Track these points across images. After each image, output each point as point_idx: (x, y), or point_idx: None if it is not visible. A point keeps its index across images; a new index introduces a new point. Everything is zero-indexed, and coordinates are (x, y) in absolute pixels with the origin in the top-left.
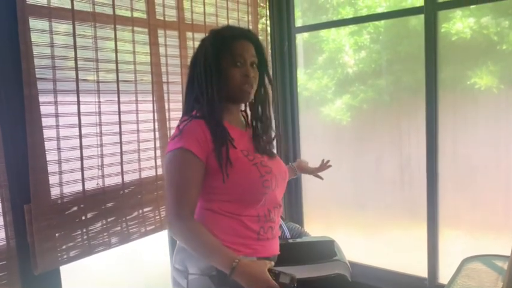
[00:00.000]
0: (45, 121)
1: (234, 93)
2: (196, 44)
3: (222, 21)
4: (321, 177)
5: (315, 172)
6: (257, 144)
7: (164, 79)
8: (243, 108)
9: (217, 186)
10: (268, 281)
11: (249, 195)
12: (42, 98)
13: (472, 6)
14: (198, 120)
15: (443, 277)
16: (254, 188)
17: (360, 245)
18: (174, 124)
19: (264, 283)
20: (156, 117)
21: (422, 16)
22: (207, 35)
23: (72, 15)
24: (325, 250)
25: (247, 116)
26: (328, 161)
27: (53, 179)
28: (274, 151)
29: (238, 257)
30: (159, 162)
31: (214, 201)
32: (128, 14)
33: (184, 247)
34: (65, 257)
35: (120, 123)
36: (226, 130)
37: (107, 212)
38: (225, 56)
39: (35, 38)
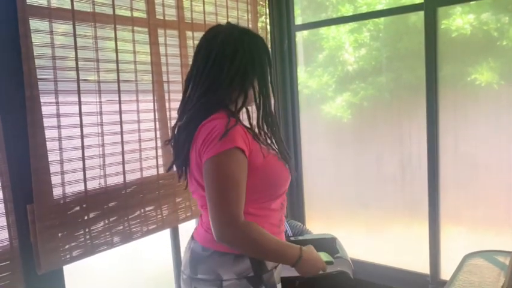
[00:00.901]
0: (46, 121)
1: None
2: (196, 42)
3: (222, 20)
4: None
5: None
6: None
7: (165, 78)
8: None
9: (252, 185)
10: (322, 262)
11: (279, 190)
12: (43, 99)
13: (471, 2)
14: (236, 119)
15: (446, 273)
16: (284, 182)
17: (361, 243)
18: (174, 123)
19: (320, 265)
20: (157, 117)
21: (422, 13)
22: (249, 31)
23: (72, 15)
24: (327, 247)
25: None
26: None
27: (55, 179)
28: None
29: (299, 246)
30: (160, 161)
31: (247, 202)
32: (127, 13)
33: (243, 252)
34: (68, 256)
35: (121, 122)
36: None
37: (109, 212)
38: (268, 62)
39: (35, 38)
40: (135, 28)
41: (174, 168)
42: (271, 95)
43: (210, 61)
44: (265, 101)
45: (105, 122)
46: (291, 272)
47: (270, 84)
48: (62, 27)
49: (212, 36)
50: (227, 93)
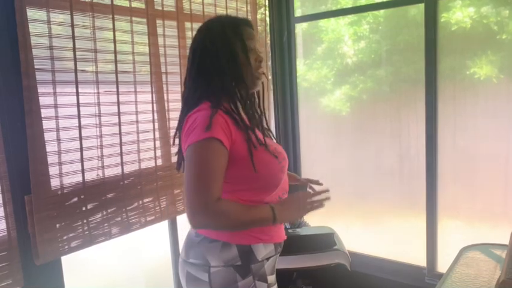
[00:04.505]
0: (44, 112)
1: (249, 79)
2: (195, 34)
3: (221, 11)
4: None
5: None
6: (265, 131)
7: (163, 70)
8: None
9: (239, 175)
10: (304, 198)
11: (271, 181)
12: (41, 89)
13: None
14: (217, 110)
15: (442, 266)
16: (275, 174)
17: (359, 235)
18: (173, 115)
19: (303, 203)
20: (155, 108)
21: (422, 5)
22: (211, 21)
23: (70, 5)
24: (325, 240)
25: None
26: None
27: (53, 170)
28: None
29: (270, 205)
30: (158, 153)
31: (233, 191)
32: (126, 3)
33: (220, 229)
34: (66, 247)
35: (119, 114)
36: (243, 117)
37: (107, 203)
38: (239, 41)
39: (32, 28)
40: (134, 18)
41: None
42: (249, 79)
43: (189, 59)
44: (237, 86)
45: (103, 113)
46: (288, 265)
47: (241, 68)
48: (60, 17)
49: (197, 32)
50: (205, 84)
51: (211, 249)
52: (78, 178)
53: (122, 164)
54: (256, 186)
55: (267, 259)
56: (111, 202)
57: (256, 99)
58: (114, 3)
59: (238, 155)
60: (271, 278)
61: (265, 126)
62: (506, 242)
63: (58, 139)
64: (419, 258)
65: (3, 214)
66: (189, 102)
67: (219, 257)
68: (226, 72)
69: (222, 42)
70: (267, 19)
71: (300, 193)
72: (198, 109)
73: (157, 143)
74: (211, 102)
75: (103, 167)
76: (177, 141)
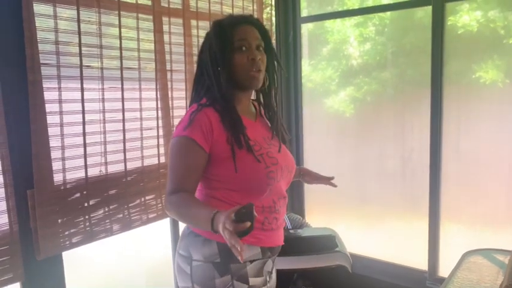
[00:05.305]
0: (48, 107)
1: (242, 79)
2: (201, 32)
3: (227, 10)
4: (333, 185)
5: (316, 181)
6: (275, 132)
7: (168, 67)
8: (253, 97)
9: (222, 175)
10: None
11: (254, 185)
12: (46, 84)
13: None
14: (206, 108)
15: (444, 270)
16: (259, 179)
17: (361, 237)
18: (177, 112)
19: (223, 222)
20: (159, 106)
21: (429, 8)
22: (212, 24)
23: (76, 0)
24: (326, 241)
25: (259, 105)
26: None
27: (56, 165)
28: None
29: (216, 210)
30: (161, 150)
31: (219, 189)
32: (132, 0)
33: (182, 224)
34: (68, 243)
35: (123, 110)
36: (240, 118)
37: (110, 199)
38: (229, 43)
39: (39, 23)
40: (140, 15)
41: None
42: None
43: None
44: (228, 86)
45: (107, 109)
46: (289, 265)
47: (229, 69)
48: (66, 12)
49: None
50: (204, 83)
51: (195, 243)
52: (81, 174)
53: (125, 160)
54: (239, 188)
55: (251, 261)
56: (113, 199)
57: (270, 96)
58: None
59: (221, 154)
60: (255, 281)
61: (279, 126)
62: (509, 248)
63: (62, 134)
64: (420, 262)
65: (5, 208)
66: (193, 101)
67: (200, 251)
68: (217, 75)
69: (211, 47)
70: (273, 19)
71: (224, 213)
72: (192, 106)
73: (161, 141)
74: (207, 100)
75: (106, 163)
76: None
